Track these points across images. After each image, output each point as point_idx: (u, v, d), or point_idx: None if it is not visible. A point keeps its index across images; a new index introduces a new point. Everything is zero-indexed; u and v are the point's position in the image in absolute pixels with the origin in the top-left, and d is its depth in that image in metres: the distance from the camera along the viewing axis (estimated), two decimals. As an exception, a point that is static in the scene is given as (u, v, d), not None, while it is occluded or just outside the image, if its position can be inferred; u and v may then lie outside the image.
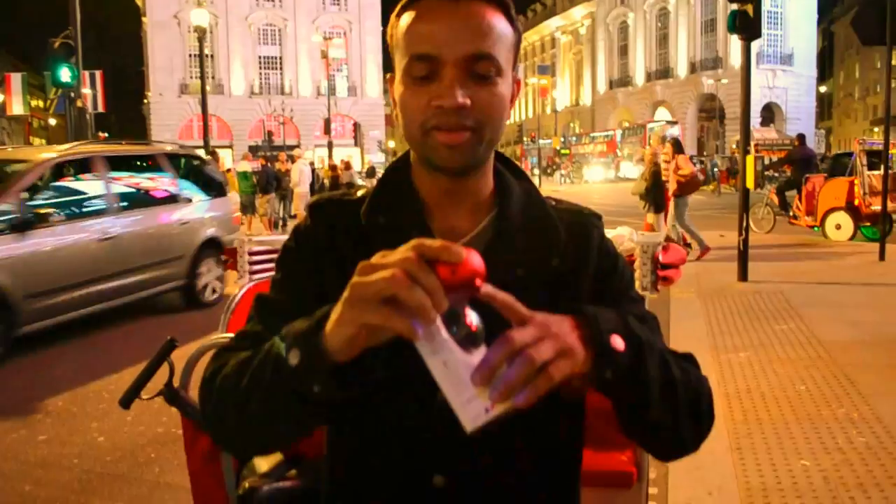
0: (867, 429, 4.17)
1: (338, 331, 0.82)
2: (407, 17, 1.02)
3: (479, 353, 0.80)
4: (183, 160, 9.51)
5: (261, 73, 63.19)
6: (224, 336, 1.96)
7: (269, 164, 19.67)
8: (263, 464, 1.58)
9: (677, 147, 11.56)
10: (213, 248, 8.82)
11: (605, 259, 1.13)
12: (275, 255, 2.46)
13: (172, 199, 8.67)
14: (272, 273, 2.53)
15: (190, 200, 8.90)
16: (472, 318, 0.83)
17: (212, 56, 58.89)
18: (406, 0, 1.04)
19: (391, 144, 64.62)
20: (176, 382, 1.75)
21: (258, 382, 0.91)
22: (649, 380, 0.91)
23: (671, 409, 0.95)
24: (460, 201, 1.08)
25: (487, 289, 0.81)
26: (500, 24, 1.01)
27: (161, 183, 8.64)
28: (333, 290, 0.87)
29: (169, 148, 9.75)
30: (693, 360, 1.06)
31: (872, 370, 5.25)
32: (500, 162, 1.14)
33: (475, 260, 0.79)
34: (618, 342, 0.87)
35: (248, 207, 18.01)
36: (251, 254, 2.40)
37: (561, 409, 1.03)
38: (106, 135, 50.10)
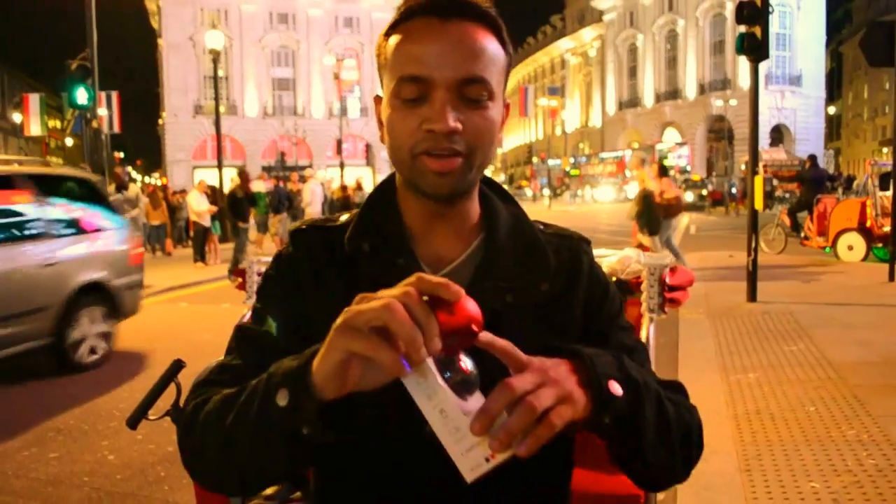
0: (877, 450, 4.14)
1: (326, 358, 0.79)
2: (396, 38, 0.99)
3: (475, 400, 0.78)
4: (65, 183, 7.26)
5: (274, 94, 63.66)
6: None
7: (280, 184, 19.78)
8: (268, 485, 1.59)
9: (662, 170, 11.55)
10: (97, 295, 6.95)
11: (595, 285, 1.10)
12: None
13: (33, 235, 6.45)
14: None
15: (61, 235, 6.73)
16: (467, 362, 0.81)
17: (226, 77, 59.37)
18: (395, 19, 1.00)
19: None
20: (183, 403, 1.76)
21: (244, 421, 0.88)
22: (645, 424, 0.90)
23: (665, 447, 0.94)
24: (447, 226, 1.05)
25: (486, 336, 0.79)
26: (492, 46, 0.98)
27: (19, 214, 6.43)
28: (316, 318, 0.84)
29: (31, 168, 7.03)
30: (682, 389, 1.06)
31: (882, 391, 5.21)
32: (486, 185, 1.11)
33: (472, 307, 0.77)
34: (615, 388, 0.86)
35: (261, 227, 18.13)
36: (260, 274, 2.42)
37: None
38: (122, 155, 50.52)
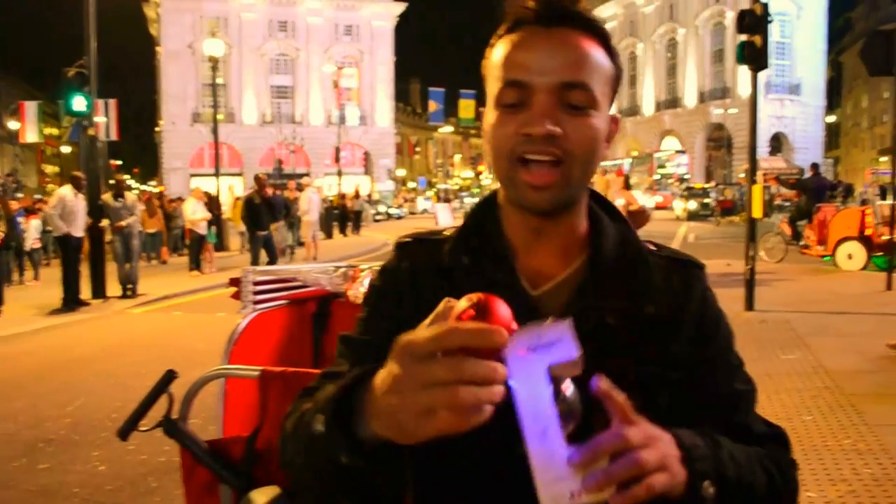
0: (873, 460, 4.13)
1: (380, 424, 0.75)
2: (501, 46, 0.99)
3: (570, 430, 0.76)
4: None
5: (273, 102, 63.83)
6: (228, 367, 1.98)
7: (277, 193, 19.79)
8: (261, 497, 1.58)
9: (626, 183, 11.59)
10: None
11: (706, 314, 1.05)
12: (279, 285, 2.51)
13: None
14: (277, 302, 2.56)
15: None
16: (572, 392, 0.78)
17: (224, 85, 59.54)
18: (502, 30, 1.01)
19: (401, 173, 64.94)
20: (175, 414, 1.76)
21: (298, 445, 0.89)
22: None
23: None
24: (549, 242, 1.02)
25: (607, 385, 0.77)
26: (596, 54, 0.97)
27: None
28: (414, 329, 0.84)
29: None
30: (782, 440, 1.03)
31: (879, 400, 5.21)
32: (595, 202, 1.09)
33: (503, 313, 0.73)
34: (709, 490, 0.84)
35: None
36: (256, 283, 2.42)
37: None
38: (119, 163, 50.61)
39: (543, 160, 0.93)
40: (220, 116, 24.67)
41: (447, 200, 43.28)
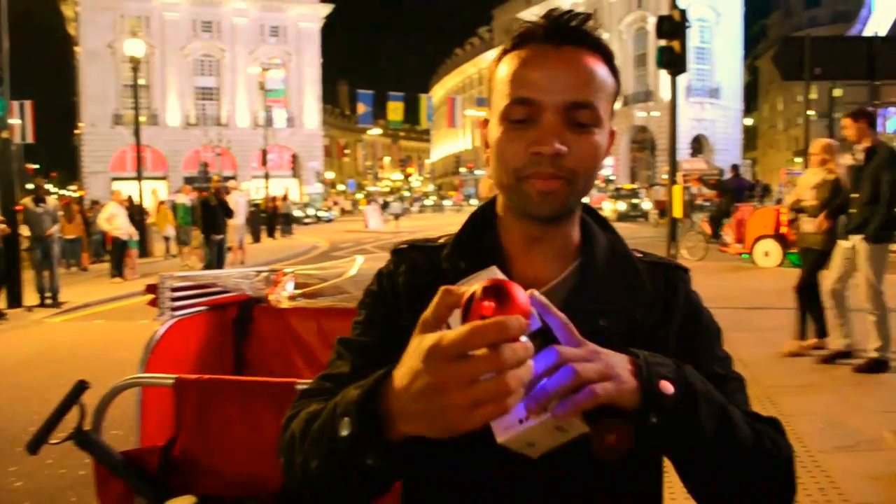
0: (788, 450, 4.30)
1: (408, 423, 0.78)
2: (508, 61, 1.01)
3: None
4: None
5: (197, 104, 62.47)
6: (142, 375, 1.93)
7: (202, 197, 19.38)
8: (177, 505, 1.55)
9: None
10: None
11: (690, 314, 1.09)
12: (199, 291, 2.46)
13: None
14: (197, 308, 2.51)
15: None
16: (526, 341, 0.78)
17: (147, 86, 58.01)
18: (509, 45, 1.02)
19: (330, 175, 64.43)
20: (88, 425, 1.71)
21: (316, 448, 0.89)
22: (701, 432, 0.87)
23: (734, 470, 0.91)
24: (545, 249, 1.06)
25: (544, 299, 0.80)
26: (601, 72, 1.00)
27: None
28: (410, 334, 0.84)
29: None
30: (777, 425, 1.03)
31: (793, 391, 5.43)
32: (585, 212, 1.12)
33: (522, 296, 0.74)
34: (666, 386, 0.85)
35: (186, 240, 17.68)
36: (174, 290, 2.37)
37: (639, 469, 1.04)
38: (35, 167, 48.74)
39: (550, 175, 0.97)
40: (142, 118, 24.06)
41: (384, 205, 42.97)
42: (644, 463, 1.06)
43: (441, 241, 1.12)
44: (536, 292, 0.80)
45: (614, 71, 1.03)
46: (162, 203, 21.39)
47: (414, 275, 1.08)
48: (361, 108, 66.63)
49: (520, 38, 1.01)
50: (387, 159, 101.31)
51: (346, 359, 1.06)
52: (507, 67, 1.01)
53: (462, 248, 1.08)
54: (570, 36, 0.99)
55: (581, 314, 0.97)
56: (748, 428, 0.93)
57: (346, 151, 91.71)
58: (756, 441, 0.93)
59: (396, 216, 39.07)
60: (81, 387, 1.66)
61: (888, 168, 5.70)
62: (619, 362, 0.84)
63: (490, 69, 1.05)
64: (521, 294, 0.74)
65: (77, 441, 1.68)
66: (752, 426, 0.95)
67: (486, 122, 1.06)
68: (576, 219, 1.08)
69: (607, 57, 1.02)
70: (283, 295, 2.42)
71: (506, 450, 0.80)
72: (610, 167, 56.91)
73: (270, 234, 28.74)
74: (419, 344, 0.75)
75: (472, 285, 0.75)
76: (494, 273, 0.80)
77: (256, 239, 25.86)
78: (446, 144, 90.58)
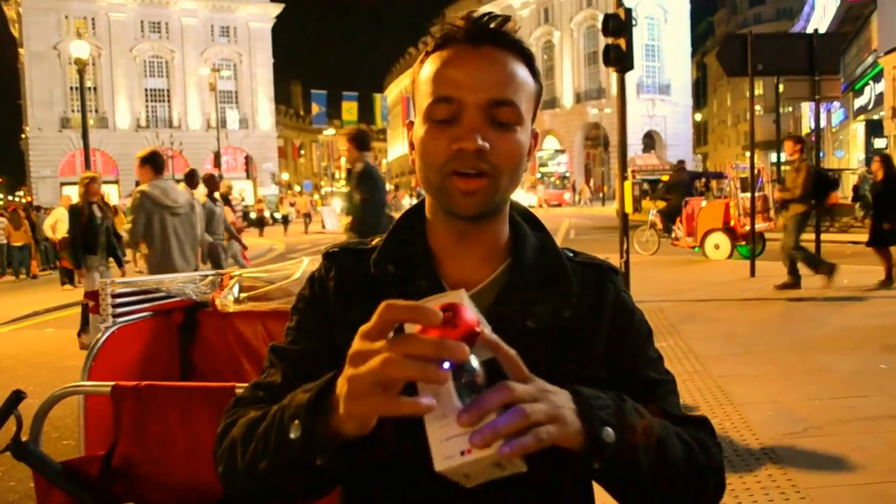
0: (738, 436, 4.39)
1: (348, 423, 0.80)
2: (431, 63, 1.02)
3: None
4: None
5: (147, 106, 61.34)
6: (80, 384, 1.90)
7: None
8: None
9: (225, 200, 12.02)
10: None
11: (619, 314, 1.10)
12: (141, 297, 2.42)
13: None
14: (140, 315, 2.47)
15: None
16: (479, 371, 0.79)
17: (95, 89, 56.83)
18: (431, 47, 1.04)
19: (285, 177, 63.86)
20: (25, 436, 1.67)
21: (264, 451, 0.89)
22: (639, 471, 0.89)
23: (667, 491, 0.93)
24: (473, 249, 1.07)
25: (494, 337, 0.80)
26: (521, 73, 1.02)
27: None
28: (341, 338, 0.85)
29: None
30: (705, 425, 1.05)
31: (743, 381, 5.55)
32: (517, 212, 1.13)
33: (470, 315, 0.76)
34: (609, 434, 0.85)
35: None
36: (115, 296, 2.33)
37: (572, 488, 1.04)
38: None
39: (473, 173, 0.98)
40: (90, 121, 23.53)
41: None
42: (577, 484, 1.07)
43: (374, 243, 1.12)
44: (487, 330, 0.80)
45: (535, 73, 1.06)
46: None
47: (344, 279, 1.08)
48: (315, 109, 66.29)
49: (441, 39, 1.03)
50: (343, 160, 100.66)
51: (278, 367, 1.06)
52: (429, 68, 1.03)
53: (390, 252, 1.08)
54: (490, 37, 1.01)
55: (509, 316, 0.99)
56: (681, 447, 0.95)
57: (302, 152, 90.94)
58: (689, 459, 0.95)
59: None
60: (17, 397, 1.63)
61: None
62: (564, 401, 0.83)
63: (414, 72, 1.06)
64: (469, 316, 0.76)
65: (14, 452, 1.65)
66: (686, 442, 0.97)
67: (411, 125, 1.07)
68: (504, 218, 1.09)
69: (527, 59, 1.05)
70: (230, 299, 2.40)
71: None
72: (565, 164, 57.45)
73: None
74: (359, 351, 0.77)
75: (428, 302, 0.77)
76: (461, 297, 0.79)
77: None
78: (401, 144, 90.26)
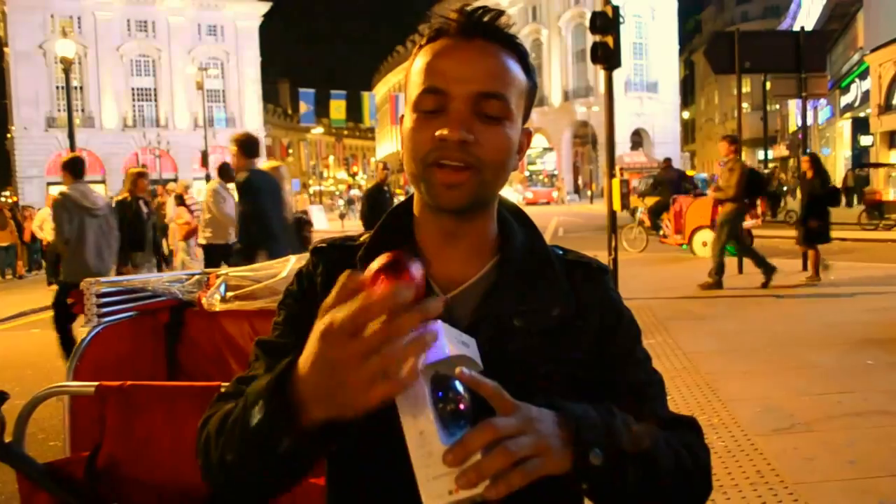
0: (726, 433, 4.41)
1: (317, 405, 0.78)
2: (422, 55, 1.02)
3: (460, 434, 0.77)
4: None
5: (134, 105, 60.98)
6: (64, 384, 1.88)
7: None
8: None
9: (179, 199, 12.05)
10: None
11: (608, 314, 1.09)
12: (127, 296, 2.40)
13: None
14: (125, 314, 2.46)
15: None
16: (463, 393, 0.79)
17: (81, 88, 56.46)
18: (424, 40, 1.03)
19: (274, 175, 63.60)
20: (9, 437, 1.65)
21: (231, 439, 0.88)
22: (627, 487, 0.89)
23: (655, 498, 0.93)
24: (460, 246, 1.05)
25: (474, 376, 0.79)
26: (512, 67, 1.01)
27: None
28: None
29: None
30: (693, 425, 1.05)
31: (731, 377, 5.57)
32: (506, 209, 1.12)
33: (416, 270, 0.77)
34: (596, 456, 0.85)
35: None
36: (100, 295, 2.31)
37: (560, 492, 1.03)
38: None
39: (456, 165, 0.96)
40: (77, 121, 23.38)
41: (352, 202, 42.53)
42: (568, 491, 1.07)
43: (362, 238, 1.11)
44: (465, 370, 0.79)
45: (528, 69, 1.04)
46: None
47: (332, 274, 1.05)
48: (303, 108, 66.05)
49: (434, 32, 1.03)
50: (331, 158, 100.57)
51: (262, 360, 1.05)
52: (420, 60, 1.03)
53: (377, 250, 1.05)
54: (481, 30, 1.00)
55: (496, 314, 0.98)
56: (670, 455, 0.95)
57: (290, 151, 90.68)
58: (677, 465, 0.95)
59: (342, 216, 38.75)
60: (1, 398, 1.61)
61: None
62: (550, 429, 0.83)
63: (407, 66, 1.06)
64: (414, 268, 0.76)
65: (-2, 454, 1.63)
66: (674, 448, 0.96)
67: (402, 118, 1.06)
68: (491, 214, 1.08)
69: (521, 54, 1.03)
70: (216, 298, 2.38)
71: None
72: (553, 162, 57.51)
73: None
74: (317, 326, 0.76)
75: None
76: (403, 253, 0.79)
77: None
78: (391, 142, 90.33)
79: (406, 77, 1.06)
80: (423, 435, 0.75)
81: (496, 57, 1.00)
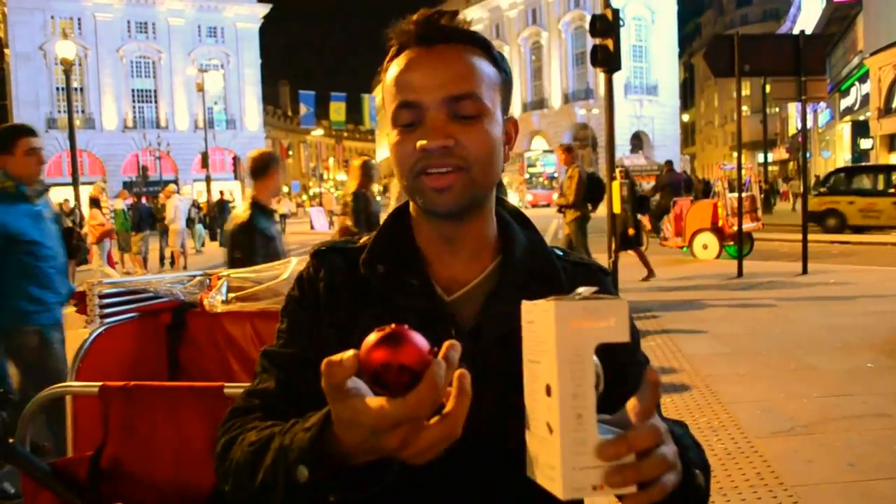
0: (726, 435, 4.41)
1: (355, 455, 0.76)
2: (391, 70, 1.03)
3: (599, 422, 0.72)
4: None
5: (134, 107, 60.93)
6: (67, 385, 1.89)
7: (143, 201, 18.98)
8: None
9: (94, 202, 12.13)
10: None
11: None
12: (129, 297, 2.41)
13: None
14: (127, 315, 2.46)
15: None
16: (602, 375, 0.75)
17: (81, 89, 56.43)
18: (389, 55, 1.04)
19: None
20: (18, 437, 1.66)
21: (273, 488, 0.85)
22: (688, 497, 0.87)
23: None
24: (460, 248, 1.06)
25: (657, 374, 0.77)
26: (480, 64, 1.01)
27: None
28: (332, 338, 0.83)
29: None
30: (686, 427, 1.04)
31: (731, 380, 5.57)
32: (507, 211, 1.13)
33: (420, 341, 0.71)
34: (700, 479, 0.85)
35: (124, 246, 17.25)
36: (103, 296, 2.31)
37: None
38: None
39: (444, 171, 0.98)
40: (77, 122, 23.38)
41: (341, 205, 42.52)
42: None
43: (362, 242, 1.11)
44: (654, 370, 0.77)
45: (495, 60, 1.04)
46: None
47: (333, 278, 1.07)
48: (304, 109, 66.11)
49: (397, 46, 1.04)
50: (331, 160, 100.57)
51: (271, 373, 1.04)
52: (390, 76, 1.03)
53: (380, 253, 1.07)
54: (440, 35, 1.01)
55: (499, 316, 0.98)
56: (699, 453, 0.95)
57: (290, 153, 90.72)
58: (703, 465, 0.94)
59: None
60: (3, 398, 1.61)
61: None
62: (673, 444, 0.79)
63: (380, 82, 1.07)
64: (418, 339, 0.70)
65: (1, 454, 1.63)
66: (699, 446, 0.96)
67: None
68: (488, 215, 1.08)
69: (485, 48, 1.04)
70: (218, 299, 2.39)
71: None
72: (553, 164, 57.43)
73: (214, 237, 28.25)
74: (353, 416, 0.72)
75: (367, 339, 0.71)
76: (619, 308, 0.74)
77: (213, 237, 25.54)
78: (387, 146, 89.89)
79: (382, 95, 1.07)
80: (580, 419, 0.69)
81: (460, 58, 1.00)
